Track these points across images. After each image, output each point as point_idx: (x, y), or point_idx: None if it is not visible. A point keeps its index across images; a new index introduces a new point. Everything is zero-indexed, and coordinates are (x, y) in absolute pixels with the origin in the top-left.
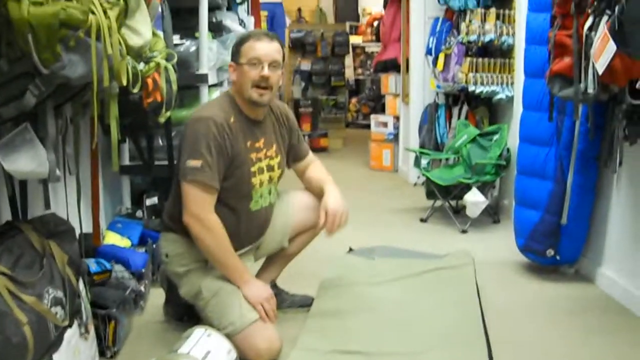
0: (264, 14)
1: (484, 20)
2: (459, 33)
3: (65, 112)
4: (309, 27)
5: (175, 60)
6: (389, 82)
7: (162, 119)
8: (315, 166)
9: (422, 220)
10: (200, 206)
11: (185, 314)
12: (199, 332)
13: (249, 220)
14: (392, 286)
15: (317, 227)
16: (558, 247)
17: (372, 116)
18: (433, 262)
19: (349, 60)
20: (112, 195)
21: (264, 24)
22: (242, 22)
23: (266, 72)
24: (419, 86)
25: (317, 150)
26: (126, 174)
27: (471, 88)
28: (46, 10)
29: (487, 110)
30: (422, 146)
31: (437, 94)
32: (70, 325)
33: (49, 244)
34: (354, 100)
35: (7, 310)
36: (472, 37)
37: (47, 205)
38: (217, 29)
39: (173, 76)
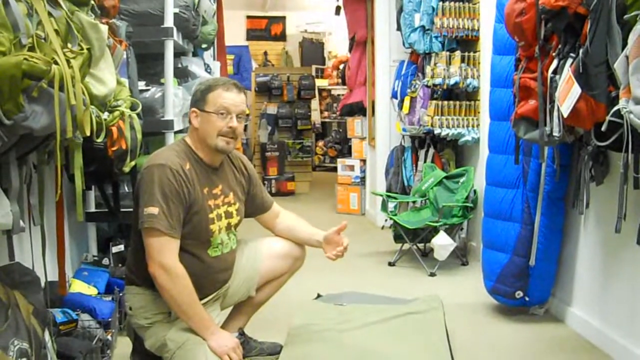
0: (230, 57)
1: (449, 63)
2: (424, 76)
3: (30, 161)
4: (275, 71)
5: (139, 109)
6: (355, 126)
7: (126, 169)
8: (287, 215)
9: (390, 264)
10: (163, 254)
11: None
12: None
13: (209, 267)
14: (361, 332)
15: (284, 277)
16: (527, 288)
17: (339, 160)
18: (402, 307)
19: (315, 104)
20: (78, 242)
21: (230, 68)
22: (208, 68)
23: (234, 124)
24: (385, 129)
25: (284, 194)
26: (92, 221)
27: (437, 131)
28: (9, 60)
29: (454, 152)
30: (389, 189)
31: (403, 137)
32: None
33: (14, 295)
34: (320, 143)
35: None
36: (437, 80)
37: (12, 256)
38: (182, 75)
39: (137, 125)
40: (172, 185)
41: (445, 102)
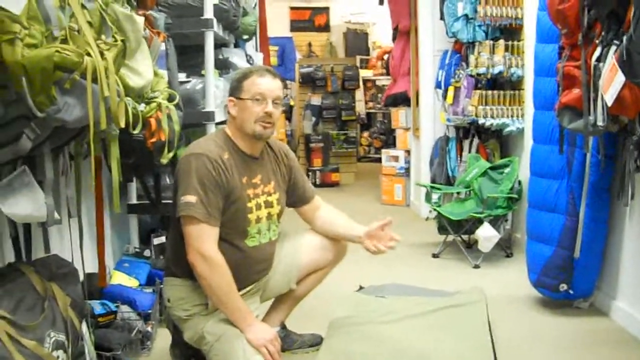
0: (274, 48)
1: (492, 52)
2: (467, 66)
3: (66, 153)
4: (319, 62)
5: (177, 100)
6: (400, 116)
7: (164, 160)
8: (329, 209)
9: (434, 255)
10: (202, 242)
11: (193, 356)
12: None
13: (247, 257)
14: (402, 325)
15: (326, 270)
16: (571, 281)
17: (383, 150)
18: (444, 300)
19: (359, 94)
20: (120, 234)
21: (274, 59)
22: (250, 59)
23: (270, 109)
24: (429, 120)
25: (329, 185)
26: (134, 213)
27: (481, 121)
28: (40, 53)
29: (498, 142)
30: (433, 180)
31: (448, 127)
32: None
33: (51, 287)
34: (365, 134)
35: (6, 355)
36: (481, 70)
37: (47, 248)
38: (223, 66)
39: (175, 116)
40: (210, 174)
41: (489, 92)
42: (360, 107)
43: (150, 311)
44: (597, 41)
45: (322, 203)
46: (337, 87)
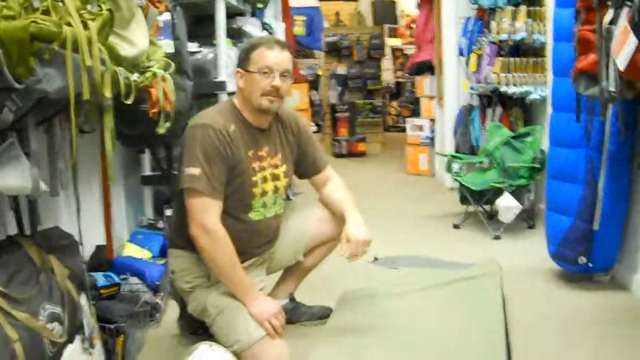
0: (301, 18)
1: (514, 18)
2: (489, 32)
3: (56, 125)
4: (345, 31)
5: (172, 69)
6: (424, 85)
7: (161, 130)
8: (335, 186)
9: (455, 226)
10: (204, 215)
11: (199, 328)
12: (203, 347)
13: (252, 230)
14: (413, 298)
15: (334, 242)
16: (590, 253)
17: (408, 120)
18: (458, 272)
19: (388, 63)
20: (135, 206)
21: (301, 29)
22: (268, 28)
23: (277, 83)
24: (453, 88)
25: (355, 155)
26: (147, 185)
27: (503, 89)
28: (16, 24)
29: (521, 111)
30: (457, 150)
31: (471, 95)
32: (70, 341)
33: (49, 259)
34: (394, 103)
35: None
36: (503, 36)
37: (34, 223)
38: (237, 36)
39: (171, 85)
40: (214, 145)
41: (512, 59)
42: (389, 76)
43: (158, 283)
44: (609, 3)
45: (332, 176)
46: (362, 56)
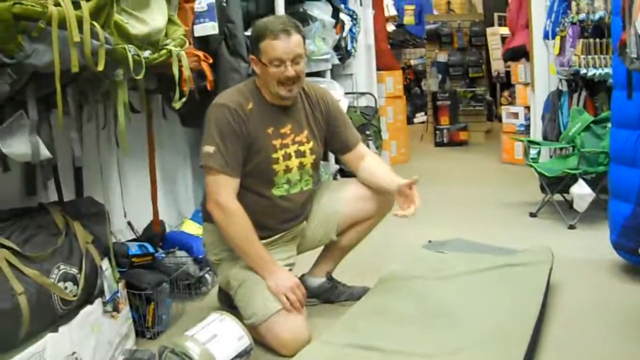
0: (411, 7)
1: None
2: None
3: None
4: (446, 18)
5: (186, 46)
6: (519, 71)
7: (176, 105)
8: (374, 161)
9: (531, 214)
10: (219, 192)
11: None
12: (213, 316)
13: (275, 205)
14: (452, 282)
15: (372, 220)
16: None
17: (503, 107)
18: (505, 258)
19: (498, 52)
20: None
21: (411, 18)
22: (353, 14)
23: (290, 73)
24: (543, 73)
25: (457, 144)
26: None
27: (583, 71)
28: (1, 5)
29: (607, 95)
30: (545, 137)
31: (560, 80)
32: (89, 302)
33: (73, 224)
34: (505, 93)
35: (1, 279)
36: (582, 16)
37: (32, 189)
38: (302, 19)
39: (185, 61)
40: (229, 124)
41: (592, 40)
42: (499, 66)
43: (202, 257)
44: None
45: (367, 152)
46: (463, 44)
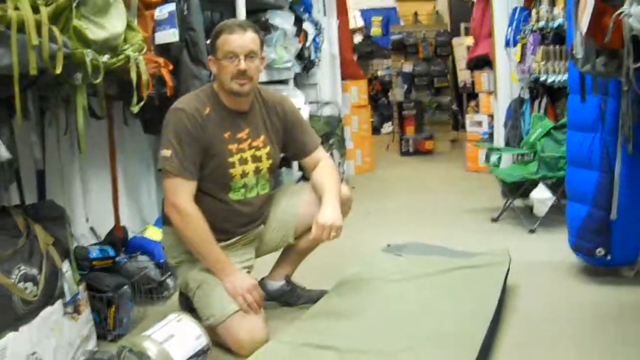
0: (378, 19)
1: (552, 4)
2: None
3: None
4: (410, 29)
5: (144, 51)
6: (482, 80)
7: (134, 109)
8: (321, 169)
9: (493, 220)
10: (176, 195)
11: None
12: (171, 317)
13: (231, 209)
14: (408, 284)
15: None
16: (609, 245)
17: (467, 116)
18: (462, 260)
19: (464, 62)
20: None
21: (378, 29)
22: (317, 25)
23: (242, 66)
24: (505, 81)
25: (422, 153)
26: None
27: (543, 78)
28: None
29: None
30: (507, 143)
31: (522, 88)
32: (50, 303)
33: (34, 226)
34: (472, 103)
35: None
36: (541, 24)
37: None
38: (263, 28)
39: (142, 66)
40: (186, 128)
41: (551, 47)
42: (465, 76)
43: (164, 261)
44: None
45: (323, 158)
46: (428, 54)
